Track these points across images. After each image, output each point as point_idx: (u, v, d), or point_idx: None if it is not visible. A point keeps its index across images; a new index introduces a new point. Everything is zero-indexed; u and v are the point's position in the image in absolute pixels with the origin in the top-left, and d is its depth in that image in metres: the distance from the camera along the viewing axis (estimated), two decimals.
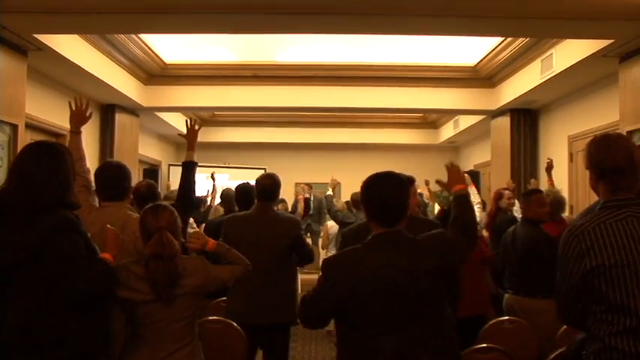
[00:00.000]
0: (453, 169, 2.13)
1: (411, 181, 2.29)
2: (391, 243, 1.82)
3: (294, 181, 10.16)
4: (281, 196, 3.76)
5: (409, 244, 1.83)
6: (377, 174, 1.90)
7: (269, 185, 3.15)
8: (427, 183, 6.52)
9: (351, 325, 1.83)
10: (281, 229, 3.09)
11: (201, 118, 9.74)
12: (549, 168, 5.00)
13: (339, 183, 6.01)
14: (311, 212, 7.58)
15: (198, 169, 3.02)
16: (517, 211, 4.37)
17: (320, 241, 7.53)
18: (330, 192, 5.65)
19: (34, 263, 1.78)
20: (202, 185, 8.12)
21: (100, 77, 5.54)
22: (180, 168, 2.99)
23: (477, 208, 4.49)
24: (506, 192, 4.59)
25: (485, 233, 4.35)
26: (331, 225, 6.23)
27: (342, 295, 1.79)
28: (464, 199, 2.01)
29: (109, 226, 2.12)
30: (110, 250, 2.01)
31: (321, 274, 1.88)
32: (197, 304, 2.11)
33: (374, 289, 1.76)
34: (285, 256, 3.09)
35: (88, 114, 2.76)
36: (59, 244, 1.81)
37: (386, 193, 1.84)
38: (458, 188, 2.03)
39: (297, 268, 3.39)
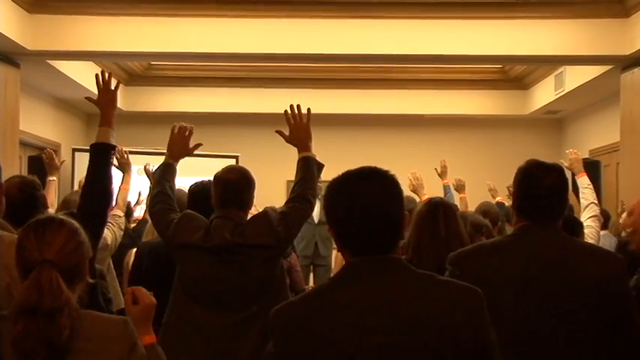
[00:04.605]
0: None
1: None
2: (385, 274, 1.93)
3: (286, 178, 10.15)
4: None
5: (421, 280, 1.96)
6: (350, 172, 2.02)
7: (235, 181, 3.25)
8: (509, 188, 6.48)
9: None
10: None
11: (130, 71, 9.73)
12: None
13: None
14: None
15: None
16: None
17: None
18: None
19: None
20: (133, 183, 8.03)
21: None
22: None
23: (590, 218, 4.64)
24: None
25: None
26: None
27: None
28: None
29: None
30: None
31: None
32: None
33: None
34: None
35: None
36: None
37: (367, 201, 1.94)
38: None
39: None
